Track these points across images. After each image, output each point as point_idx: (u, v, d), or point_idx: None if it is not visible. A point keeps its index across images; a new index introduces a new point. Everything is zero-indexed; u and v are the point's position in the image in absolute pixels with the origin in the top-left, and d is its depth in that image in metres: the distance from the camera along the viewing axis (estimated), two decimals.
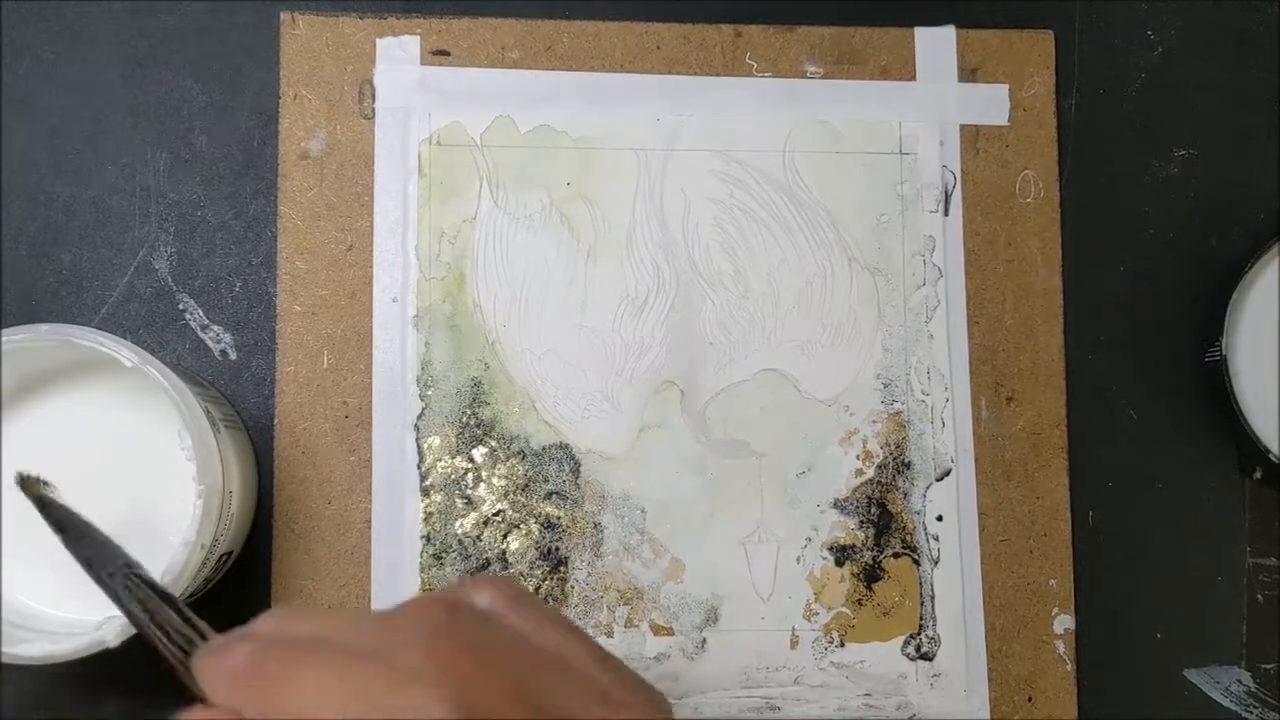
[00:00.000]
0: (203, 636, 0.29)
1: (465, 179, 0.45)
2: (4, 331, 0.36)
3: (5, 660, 0.34)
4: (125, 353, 0.35)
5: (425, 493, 0.44)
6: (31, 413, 0.39)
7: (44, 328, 0.36)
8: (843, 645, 0.44)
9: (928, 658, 0.45)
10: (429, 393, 0.44)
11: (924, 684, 0.44)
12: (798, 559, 0.45)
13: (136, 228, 0.44)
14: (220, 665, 0.26)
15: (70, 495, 0.37)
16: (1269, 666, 0.46)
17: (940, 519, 0.45)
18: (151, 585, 0.30)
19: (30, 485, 0.33)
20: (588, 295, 0.45)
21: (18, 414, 0.39)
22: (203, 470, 0.35)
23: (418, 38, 0.45)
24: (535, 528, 0.44)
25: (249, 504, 0.42)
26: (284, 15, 0.45)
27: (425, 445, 0.44)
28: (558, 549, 0.44)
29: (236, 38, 0.45)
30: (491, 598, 0.29)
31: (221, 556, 0.39)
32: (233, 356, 0.44)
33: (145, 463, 0.39)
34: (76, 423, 0.39)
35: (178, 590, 0.35)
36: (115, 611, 0.32)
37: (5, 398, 0.39)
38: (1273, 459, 0.45)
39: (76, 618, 0.38)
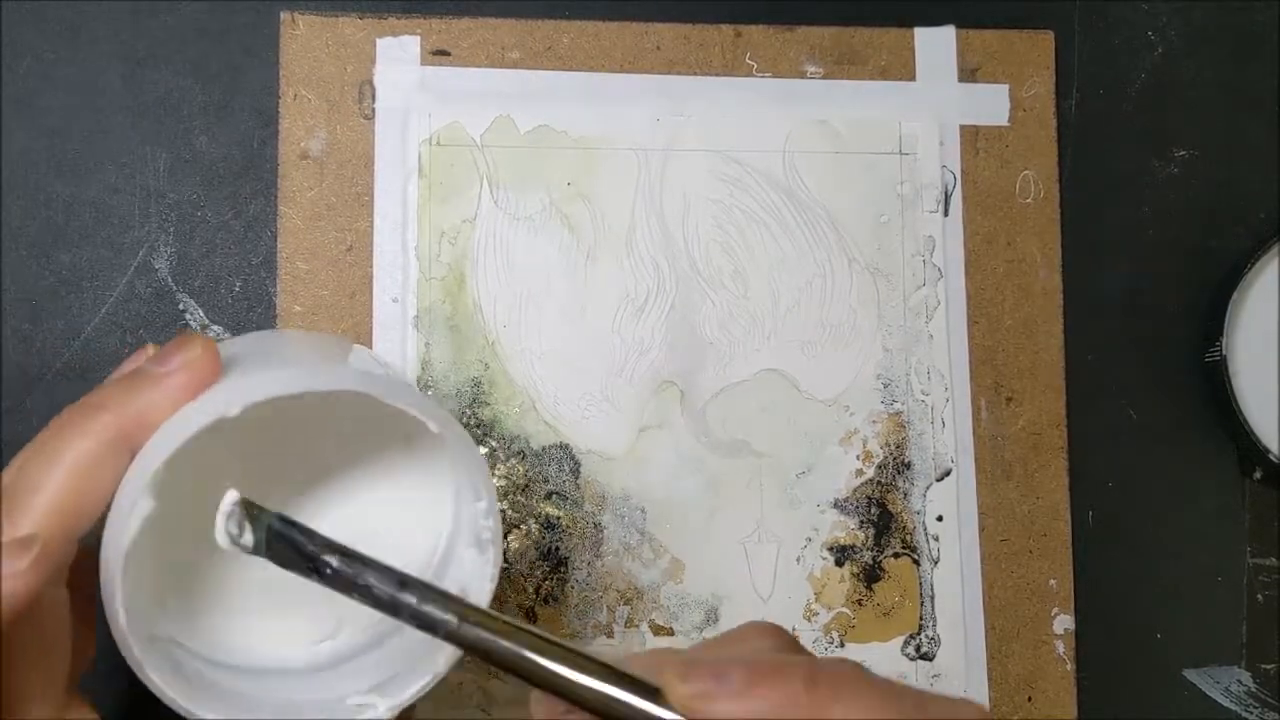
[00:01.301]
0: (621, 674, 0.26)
1: (465, 179, 0.45)
2: (289, 377, 0.29)
3: None
4: (433, 418, 0.29)
5: None
6: (299, 460, 0.34)
7: (341, 376, 0.30)
8: (843, 645, 0.44)
9: (928, 658, 0.45)
10: (429, 393, 0.44)
11: (924, 684, 0.44)
12: (798, 559, 0.45)
13: (136, 228, 0.44)
14: (773, 690, 0.25)
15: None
16: (1269, 666, 0.46)
17: (940, 519, 0.45)
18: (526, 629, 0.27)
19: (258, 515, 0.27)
20: (588, 295, 0.45)
21: (277, 457, 0.33)
22: (495, 564, 0.31)
23: (418, 38, 0.45)
24: (535, 528, 0.44)
25: None
26: (284, 15, 0.45)
27: None
28: (558, 549, 0.44)
29: (236, 38, 0.45)
30: None
31: None
32: None
33: (411, 522, 0.34)
34: (344, 470, 0.34)
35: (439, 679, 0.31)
36: (375, 679, 0.30)
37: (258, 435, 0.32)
38: (1273, 459, 0.45)
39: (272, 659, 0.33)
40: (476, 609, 0.27)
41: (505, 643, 0.26)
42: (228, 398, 0.28)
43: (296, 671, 0.33)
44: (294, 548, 0.27)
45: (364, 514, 0.34)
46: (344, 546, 0.27)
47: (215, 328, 0.44)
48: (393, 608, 0.27)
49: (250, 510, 0.27)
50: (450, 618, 0.27)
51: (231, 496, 0.27)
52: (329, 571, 0.27)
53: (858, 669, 0.27)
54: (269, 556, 0.27)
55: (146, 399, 0.28)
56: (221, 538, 0.27)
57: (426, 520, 0.34)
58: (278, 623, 0.33)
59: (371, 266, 0.44)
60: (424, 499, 0.34)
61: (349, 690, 0.31)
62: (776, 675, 0.26)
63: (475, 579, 0.32)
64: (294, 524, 0.28)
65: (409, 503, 0.34)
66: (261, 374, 0.29)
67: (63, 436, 0.28)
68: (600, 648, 0.43)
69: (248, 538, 0.27)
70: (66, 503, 0.27)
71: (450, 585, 0.31)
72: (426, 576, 0.32)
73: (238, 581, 0.33)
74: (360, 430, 0.34)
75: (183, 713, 0.29)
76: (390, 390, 0.29)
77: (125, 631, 0.28)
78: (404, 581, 0.27)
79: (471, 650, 0.27)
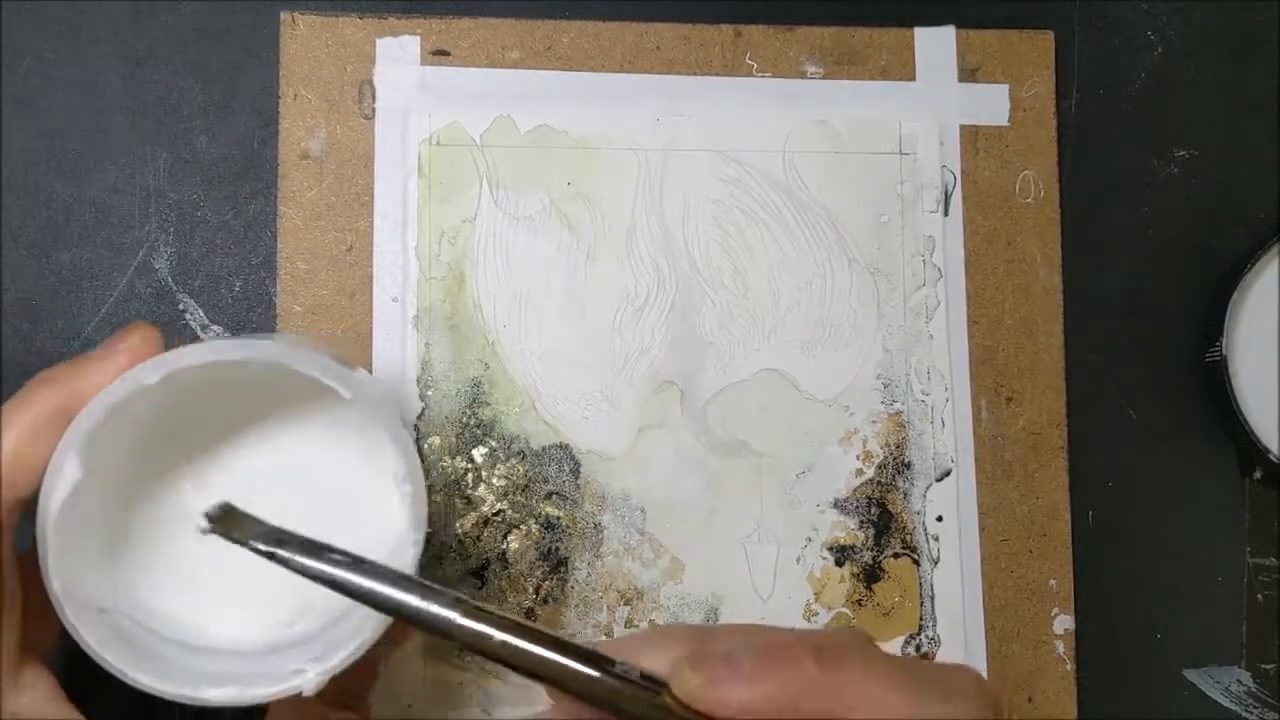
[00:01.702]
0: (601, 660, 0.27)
1: (465, 179, 0.45)
2: (201, 348, 0.31)
3: (194, 704, 0.31)
4: (345, 381, 0.31)
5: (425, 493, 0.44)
6: (224, 435, 0.35)
7: (254, 346, 0.32)
8: None
9: (928, 658, 0.45)
10: (429, 393, 0.44)
11: None
12: (798, 559, 0.45)
13: (136, 228, 0.44)
14: (784, 669, 0.26)
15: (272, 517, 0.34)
16: (1269, 666, 0.46)
17: (940, 519, 0.45)
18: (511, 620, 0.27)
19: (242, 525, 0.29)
20: (588, 295, 0.45)
21: (206, 437, 0.35)
22: (416, 520, 0.33)
23: (418, 38, 0.45)
24: (535, 528, 0.44)
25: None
26: (284, 15, 0.45)
27: (425, 445, 0.44)
28: (558, 549, 0.44)
29: (236, 38, 0.45)
30: None
31: None
32: None
33: (351, 488, 0.36)
34: (274, 446, 0.36)
35: (371, 641, 0.32)
36: (281, 639, 0.32)
37: (190, 419, 0.35)
38: (1273, 459, 0.45)
39: (247, 641, 0.35)
40: (473, 604, 0.28)
41: (501, 635, 0.27)
42: (150, 369, 0.30)
43: (252, 653, 0.34)
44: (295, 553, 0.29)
45: (314, 484, 0.36)
46: (319, 544, 0.29)
47: (215, 328, 0.44)
48: (395, 609, 0.28)
49: (235, 514, 0.30)
50: (452, 614, 0.27)
51: (217, 502, 0.30)
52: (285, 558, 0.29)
53: (860, 638, 0.28)
54: (260, 549, 0.29)
55: (87, 377, 0.31)
56: (203, 524, 0.29)
57: (368, 487, 0.36)
58: (238, 609, 0.35)
59: (371, 266, 0.44)
60: (363, 466, 0.36)
61: (293, 663, 0.32)
62: (785, 654, 0.26)
63: (400, 543, 0.33)
64: (284, 533, 0.29)
65: (353, 469, 0.36)
66: (183, 349, 0.31)
67: (9, 409, 0.30)
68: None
69: (237, 532, 0.29)
70: (6, 468, 0.30)
71: (377, 548, 0.32)
72: (362, 541, 0.33)
73: (199, 568, 0.35)
74: (310, 404, 0.36)
75: (119, 676, 0.31)
76: (303, 360, 0.31)
77: (58, 595, 0.30)
78: (401, 579, 0.28)
79: (467, 645, 0.28)
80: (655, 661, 0.27)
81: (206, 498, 0.31)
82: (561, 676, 0.27)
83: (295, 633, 0.35)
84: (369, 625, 0.32)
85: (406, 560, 0.32)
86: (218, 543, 0.29)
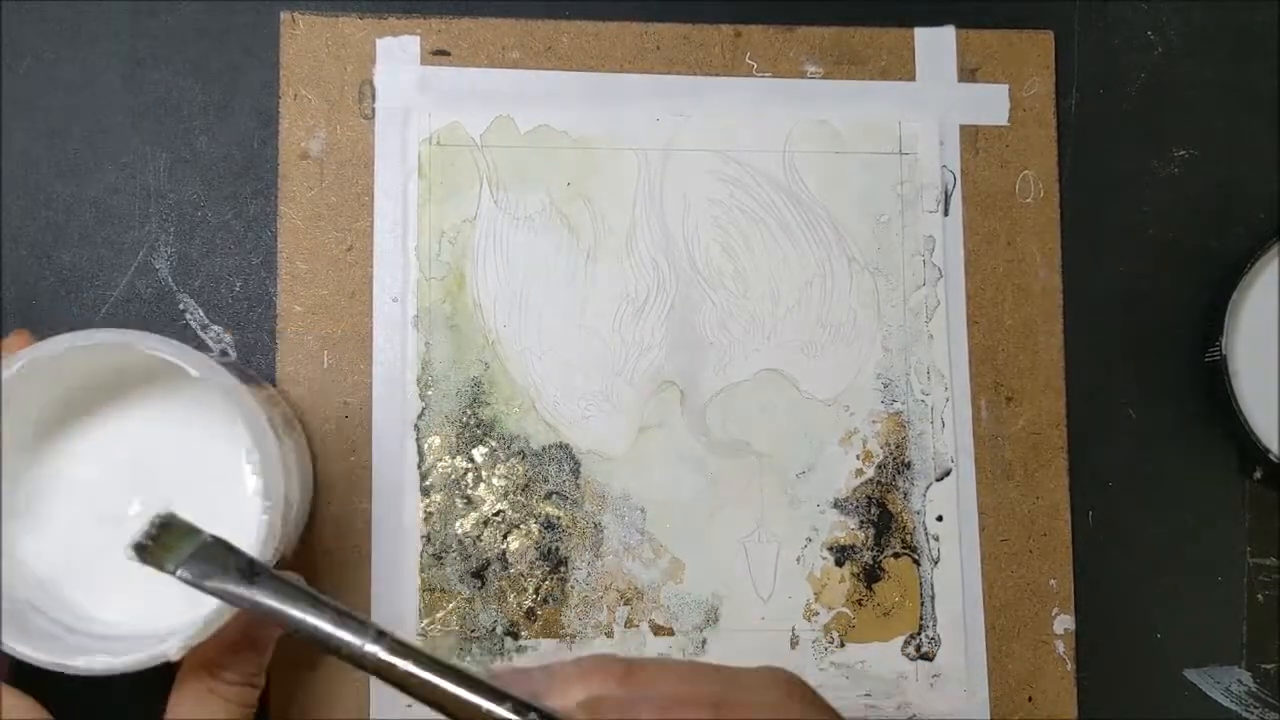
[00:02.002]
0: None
1: (465, 179, 0.45)
2: (64, 337, 0.34)
3: (67, 672, 0.33)
4: (192, 361, 0.34)
5: (425, 493, 0.44)
6: (92, 420, 0.38)
7: (104, 333, 0.34)
8: (843, 645, 0.44)
9: (928, 658, 0.45)
10: (429, 393, 0.44)
11: (924, 684, 0.44)
12: (798, 559, 0.45)
13: (136, 228, 0.44)
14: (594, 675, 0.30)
15: (139, 499, 0.38)
16: (1269, 666, 0.46)
17: (940, 519, 0.45)
18: (421, 653, 0.29)
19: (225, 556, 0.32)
20: (588, 295, 0.45)
21: (77, 423, 0.38)
22: (268, 487, 0.34)
23: (418, 38, 0.45)
24: (535, 528, 0.44)
25: (306, 506, 0.41)
26: (284, 15, 0.45)
27: (425, 445, 0.44)
28: (558, 549, 0.44)
29: (236, 38, 0.45)
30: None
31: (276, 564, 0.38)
32: (233, 356, 0.44)
33: (209, 465, 0.38)
34: (138, 428, 0.38)
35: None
36: (177, 625, 0.33)
37: (64, 405, 0.38)
38: (1273, 459, 0.45)
39: (134, 626, 0.37)
40: (395, 639, 0.30)
41: (411, 668, 0.29)
42: (13, 360, 0.33)
43: (156, 636, 0.36)
44: (220, 567, 0.31)
45: (170, 461, 0.39)
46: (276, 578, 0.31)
47: (215, 328, 0.44)
48: (313, 638, 0.30)
49: (174, 529, 0.32)
50: (363, 643, 0.29)
51: (158, 515, 0.32)
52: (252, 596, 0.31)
53: (670, 659, 0.32)
54: (188, 578, 0.31)
55: None
56: (130, 553, 0.32)
57: (227, 462, 0.38)
58: (127, 600, 0.37)
59: (371, 266, 0.44)
60: (221, 442, 0.38)
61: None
62: (681, 711, 0.30)
63: (253, 509, 0.34)
64: (226, 545, 0.32)
65: (210, 445, 0.38)
66: (42, 342, 0.34)
67: None
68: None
69: (168, 560, 0.31)
70: None
71: (234, 518, 0.35)
72: (219, 510, 0.36)
73: (92, 556, 0.38)
74: (172, 387, 0.39)
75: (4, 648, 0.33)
76: (151, 342, 0.34)
77: None
78: (320, 605, 0.30)
79: (387, 680, 0.29)
80: (582, 694, 0.29)
81: (89, 476, 0.37)
82: (476, 718, 0.28)
83: (183, 621, 0.36)
84: (211, 603, 0.33)
85: (257, 527, 0.34)
86: (113, 530, 0.33)
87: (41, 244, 0.44)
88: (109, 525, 0.37)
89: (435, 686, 0.28)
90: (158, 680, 0.36)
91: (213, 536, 0.32)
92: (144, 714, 0.37)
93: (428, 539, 0.43)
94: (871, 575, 0.45)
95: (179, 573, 0.31)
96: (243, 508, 0.37)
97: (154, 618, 0.36)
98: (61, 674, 0.33)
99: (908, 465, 0.45)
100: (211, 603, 0.33)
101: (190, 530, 0.32)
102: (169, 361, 0.34)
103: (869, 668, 0.44)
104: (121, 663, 0.33)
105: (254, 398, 0.36)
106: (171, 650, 0.33)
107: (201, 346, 0.44)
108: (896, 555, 0.45)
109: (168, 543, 0.32)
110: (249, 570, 0.31)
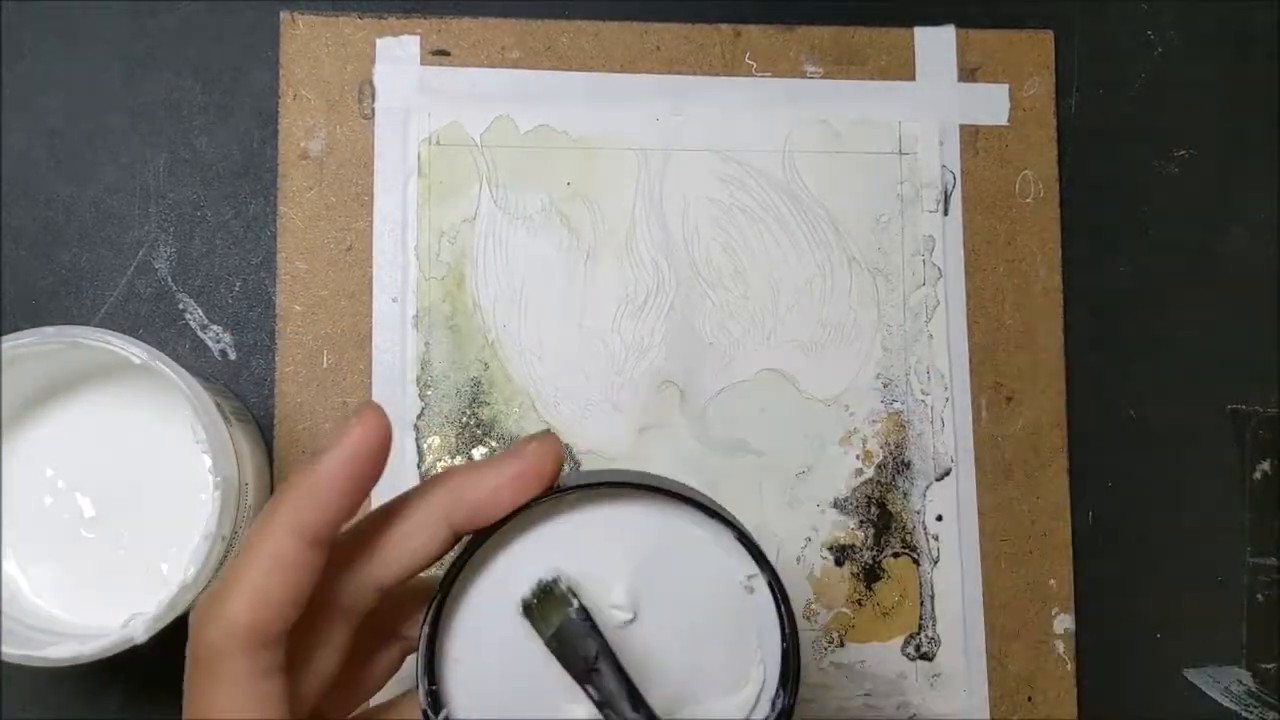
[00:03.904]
0: None
1: (465, 179, 0.45)
2: (6, 337, 0.35)
3: (36, 664, 0.34)
4: (134, 350, 0.35)
5: None
6: (44, 420, 0.39)
7: (49, 330, 0.35)
8: (843, 645, 0.44)
9: (927, 658, 0.45)
10: (429, 393, 0.44)
11: (924, 684, 0.44)
12: (798, 559, 0.45)
13: (136, 228, 0.44)
14: None
15: (91, 499, 0.38)
16: (1269, 666, 0.46)
17: (940, 519, 0.45)
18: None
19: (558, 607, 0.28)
20: (588, 295, 0.45)
21: (30, 424, 0.39)
22: (218, 462, 0.35)
23: (418, 38, 0.45)
24: None
25: (264, 495, 0.42)
26: (284, 15, 0.45)
27: (425, 445, 0.44)
28: None
29: (236, 38, 0.45)
30: None
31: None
32: (232, 356, 0.44)
33: (161, 460, 0.39)
34: (89, 426, 0.39)
35: (200, 585, 0.35)
36: (139, 609, 0.34)
37: (16, 408, 0.39)
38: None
39: (91, 621, 0.38)
40: None
41: None
42: None
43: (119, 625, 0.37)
44: (577, 645, 0.28)
45: (129, 446, 0.40)
46: (616, 662, 0.28)
47: (215, 327, 0.44)
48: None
49: (554, 597, 0.28)
50: None
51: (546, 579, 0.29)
52: (594, 681, 0.28)
53: None
54: (554, 649, 0.28)
55: None
56: (518, 609, 0.28)
57: (180, 445, 0.39)
58: (109, 609, 0.37)
59: (371, 266, 0.44)
60: (174, 426, 0.39)
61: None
62: None
63: (204, 485, 0.35)
64: (588, 621, 0.28)
65: (164, 429, 0.39)
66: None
67: None
68: None
69: (543, 625, 0.28)
70: None
71: (188, 497, 0.37)
72: (173, 490, 0.38)
73: (73, 560, 0.39)
74: (122, 376, 0.40)
75: None
76: (93, 335, 0.35)
77: None
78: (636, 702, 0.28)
79: None
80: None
81: (45, 474, 0.38)
82: None
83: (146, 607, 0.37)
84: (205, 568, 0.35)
85: (209, 501, 0.35)
86: (94, 535, 0.36)
87: (41, 244, 0.44)
88: (69, 524, 0.38)
89: None
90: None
91: (579, 610, 0.28)
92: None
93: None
94: (871, 575, 0.45)
95: (549, 641, 0.28)
96: (199, 493, 0.38)
97: (116, 615, 0.36)
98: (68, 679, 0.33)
99: (907, 465, 0.45)
100: (175, 585, 0.34)
101: (564, 600, 0.28)
102: (117, 354, 0.35)
103: (869, 667, 0.44)
104: (90, 649, 0.34)
105: (201, 387, 0.36)
106: (137, 632, 0.34)
107: (201, 346, 0.44)
108: (896, 555, 0.45)
109: (545, 610, 0.28)
110: (594, 660, 0.28)
